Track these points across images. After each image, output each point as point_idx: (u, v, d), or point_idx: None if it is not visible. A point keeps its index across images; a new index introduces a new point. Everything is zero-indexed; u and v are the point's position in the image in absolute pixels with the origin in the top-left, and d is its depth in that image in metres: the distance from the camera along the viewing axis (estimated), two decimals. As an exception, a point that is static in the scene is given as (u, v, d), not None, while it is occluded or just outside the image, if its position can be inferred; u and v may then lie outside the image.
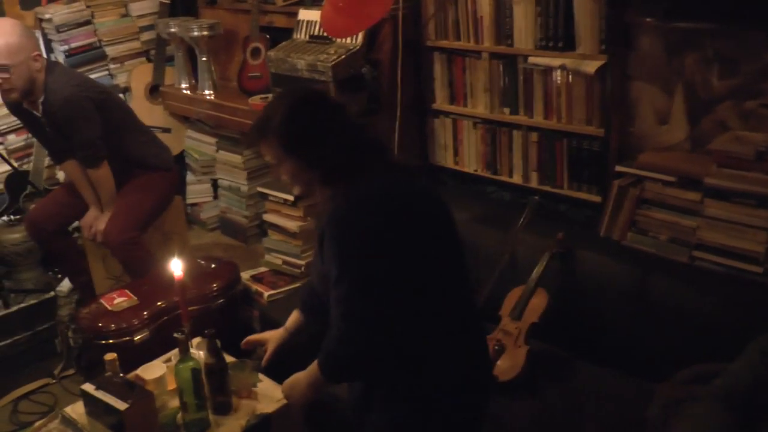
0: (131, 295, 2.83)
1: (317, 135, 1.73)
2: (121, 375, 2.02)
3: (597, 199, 2.71)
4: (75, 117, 2.94)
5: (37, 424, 2.17)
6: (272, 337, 2.18)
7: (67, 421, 2.11)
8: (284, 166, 1.78)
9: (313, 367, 1.83)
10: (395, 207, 1.72)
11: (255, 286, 3.03)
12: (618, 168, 2.56)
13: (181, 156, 4.13)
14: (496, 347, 2.35)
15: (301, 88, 1.87)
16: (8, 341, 2.94)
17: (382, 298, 1.67)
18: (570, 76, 2.66)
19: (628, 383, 2.26)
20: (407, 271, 1.69)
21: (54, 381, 3.03)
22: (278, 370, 2.19)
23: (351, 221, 1.69)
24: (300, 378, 1.90)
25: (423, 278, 1.72)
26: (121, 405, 1.87)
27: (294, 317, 2.17)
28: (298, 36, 3.26)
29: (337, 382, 1.88)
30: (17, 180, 3.64)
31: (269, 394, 2.14)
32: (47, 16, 3.76)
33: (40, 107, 2.97)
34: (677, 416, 1.90)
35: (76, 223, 3.39)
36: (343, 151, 1.73)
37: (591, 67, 2.56)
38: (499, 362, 2.32)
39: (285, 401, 2.05)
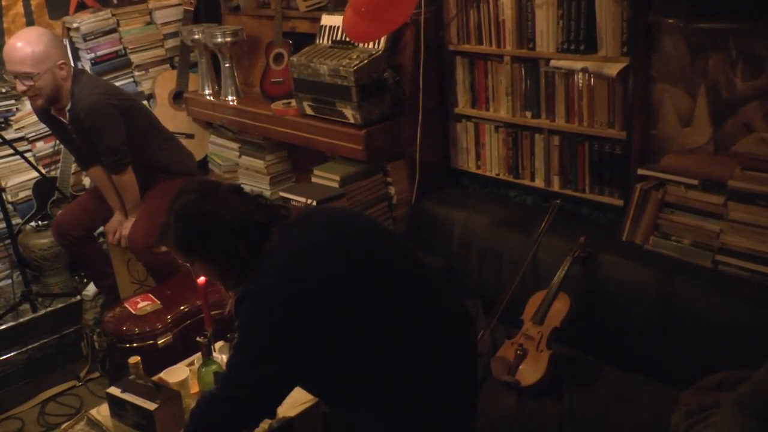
0: (155, 299, 2.86)
1: (213, 234, 1.69)
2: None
3: (619, 202, 2.68)
4: (100, 124, 2.99)
5: (63, 425, 2.21)
6: None
7: (93, 423, 2.14)
8: (198, 267, 1.78)
9: None
10: (309, 276, 1.63)
11: (277, 291, 3.05)
12: (640, 171, 2.54)
13: (204, 161, 4.17)
14: (519, 351, 2.34)
15: (185, 187, 1.81)
16: (36, 344, 2.99)
17: (277, 374, 1.63)
18: (592, 79, 2.65)
19: (652, 389, 2.24)
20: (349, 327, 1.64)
21: (80, 383, 3.08)
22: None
23: (257, 314, 1.62)
24: None
25: (374, 323, 1.66)
26: (150, 405, 1.90)
27: None
28: (321, 41, 3.28)
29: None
30: (45, 186, 3.71)
31: (292, 398, 2.15)
32: (75, 24, 3.83)
33: (67, 114, 3.02)
34: (701, 423, 1.88)
35: (101, 228, 3.44)
36: (238, 236, 1.68)
37: (613, 69, 2.54)
38: (521, 366, 2.32)
39: (309, 404, 2.06)
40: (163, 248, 1.78)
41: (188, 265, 1.79)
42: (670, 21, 2.40)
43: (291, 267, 1.64)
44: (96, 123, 2.98)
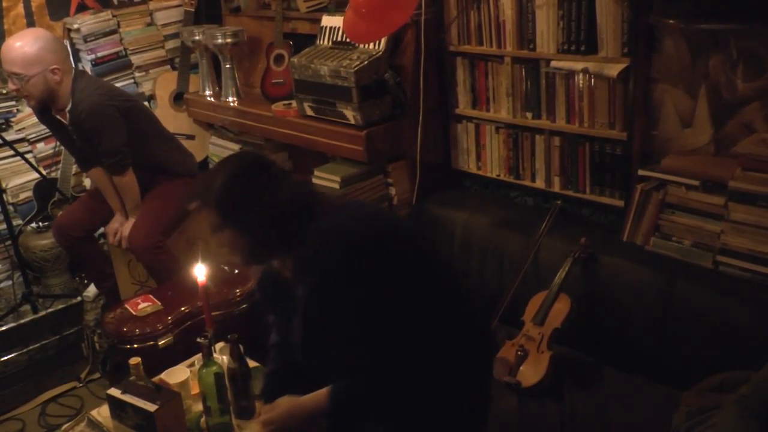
0: (155, 300, 2.86)
1: (256, 205, 1.68)
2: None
3: (620, 203, 2.68)
4: (101, 125, 2.99)
5: (64, 426, 2.21)
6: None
7: (93, 424, 2.14)
8: (224, 236, 1.73)
9: (320, 400, 1.75)
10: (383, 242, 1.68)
11: (278, 292, 3.05)
12: (641, 172, 2.54)
13: (205, 162, 4.17)
14: (519, 352, 2.34)
15: (241, 155, 1.81)
16: (37, 345, 2.99)
17: (411, 336, 1.65)
18: (592, 80, 2.65)
19: (653, 390, 2.24)
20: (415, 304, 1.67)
21: (80, 384, 3.08)
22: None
23: (351, 271, 1.63)
24: (300, 407, 1.79)
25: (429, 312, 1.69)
26: (151, 407, 1.89)
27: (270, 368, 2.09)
28: (322, 42, 3.28)
29: (347, 421, 1.80)
30: (45, 187, 3.71)
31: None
32: (75, 26, 3.83)
33: (68, 116, 3.03)
34: (702, 424, 1.88)
35: (102, 230, 3.44)
36: (281, 216, 1.68)
37: (614, 70, 2.54)
38: (522, 367, 2.32)
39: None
40: (193, 206, 1.74)
41: (211, 232, 1.74)
42: (671, 22, 2.40)
43: (348, 244, 1.65)
44: (97, 124, 2.98)
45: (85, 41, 3.84)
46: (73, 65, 3.13)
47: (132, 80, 4.08)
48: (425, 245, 1.82)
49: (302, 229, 1.68)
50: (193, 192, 1.76)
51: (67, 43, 3.86)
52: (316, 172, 3.18)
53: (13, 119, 3.75)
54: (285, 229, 1.69)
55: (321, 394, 1.75)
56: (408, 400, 1.70)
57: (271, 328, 2.07)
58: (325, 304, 1.68)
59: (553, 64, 2.74)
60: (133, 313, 2.80)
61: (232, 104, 3.81)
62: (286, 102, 3.48)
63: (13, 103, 3.72)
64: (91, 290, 3.63)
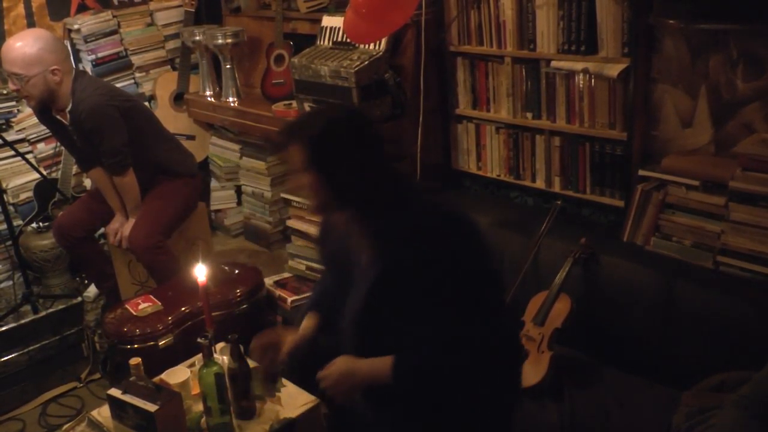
0: (156, 300, 2.86)
1: (348, 159, 1.68)
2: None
3: (620, 203, 2.68)
4: (101, 125, 2.99)
5: (65, 426, 2.21)
6: (284, 340, 2.09)
7: (94, 424, 2.14)
8: (305, 177, 1.72)
9: (381, 366, 1.75)
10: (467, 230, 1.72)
11: (278, 292, 3.05)
12: (641, 172, 2.54)
13: (205, 163, 4.17)
14: (519, 353, 2.34)
15: (348, 107, 1.82)
16: (37, 345, 2.99)
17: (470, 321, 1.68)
18: (593, 80, 2.65)
19: (653, 390, 2.24)
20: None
21: (81, 385, 3.08)
22: (302, 376, 2.19)
23: (442, 250, 1.66)
24: (358, 369, 1.79)
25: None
26: (151, 407, 1.90)
27: (307, 323, 2.11)
28: (322, 42, 3.28)
29: (406, 390, 1.79)
30: (46, 188, 3.71)
31: (293, 399, 2.15)
32: (76, 26, 3.83)
33: (68, 116, 3.03)
34: (702, 424, 1.88)
35: (102, 230, 3.44)
36: (369, 184, 1.69)
37: (614, 70, 2.55)
38: (522, 367, 2.31)
39: (310, 405, 2.06)
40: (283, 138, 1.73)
41: (295, 169, 1.72)
42: (671, 22, 2.40)
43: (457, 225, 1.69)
44: (97, 124, 2.98)
45: (86, 42, 3.84)
46: (74, 66, 3.13)
47: (132, 80, 4.08)
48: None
49: (387, 203, 1.68)
50: (289, 126, 1.75)
51: (67, 43, 3.86)
52: (316, 173, 3.18)
53: (13, 120, 3.75)
54: (367, 192, 1.68)
55: (380, 361, 1.74)
56: (463, 378, 1.72)
57: (315, 287, 2.10)
58: (401, 287, 1.69)
59: (554, 64, 2.74)
60: (134, 313, 2.81)
61: (232, 104, 3.81)
62: (286, 102, 3.48)
63: (14, 103, 3.72)
64: (92, 290, 3.63)
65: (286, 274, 3.19)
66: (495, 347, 1.71)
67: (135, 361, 2.03)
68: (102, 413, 2.14)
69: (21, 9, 3.74)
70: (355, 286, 1.82)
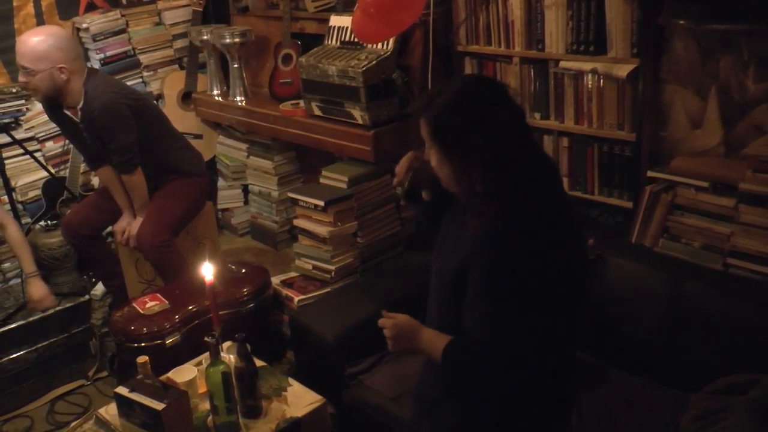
0: (163, 299, 2.87)
1: (471, 139, 1.57)
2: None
3: (628, 205, 2.67)
4: (113, 123, 3.00)
5: (72, 424, 2.22)
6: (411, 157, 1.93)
7: (101, 422, 2.14)
8: (432, 151, 1.65)
9: (437, 345, 1.69)
10: (546, 246, 1.61)
11: (285, 291, 3.05)
12: (650, 173, 2.53)
13: (212, 162, 4.18)
14: (526, 354, 2.33)
15: (477, 77, 1.66)
16: (45, 343, 2.99)
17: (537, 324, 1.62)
18: (601, 81, 2.64)
19: (661, 392, 2.22)
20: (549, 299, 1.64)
21: (88, 383, 3.08)
22: (308, 375, 2.19)
23: (508, 256, 1.58)
24: (421, 336, 1.73)
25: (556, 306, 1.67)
26: (158, 405, 1.90)
27: None
28: (330, 42, 3.28)
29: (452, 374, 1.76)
30: (54, 186, 3.72)
31: (298, 399, 2.15)
32: (84, 25, 3.84)
33: (79, 113, 3.04)
34: (711, 427, 1.87)
35: (110, 228, 3.45)
36: (491, 168, 1.57)
37: (622, 70, 2.54)
38: (529, 369, 2.30)
39: (316, 405, 2.06)
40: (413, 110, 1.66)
41: (427, 144, 1.65)
42: (681, 22, 2.39)
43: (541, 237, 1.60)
44: (109, 122, 2.99)
45: (94, 40, 3.85)
46: (86, 65, 3.14)
47: (140, 80, 4.09)
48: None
49: (509, 192, 1.59)
50: (421, 99, 1.67)
51: (76, 42, 3.88)
52: (323, 172, 3.18)
53: (22, 118, 3.77)
54: (488, 178, 1.58)
55: (439, 339, 1.70)
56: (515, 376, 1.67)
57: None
58: (483, 275, 1.63)
59: (562, 64, 2.73)
60: (141, 311, 2.81)
61: (239, 104, 3.82)
62: (293, 102, 3.48)
63: (23, 101, 3.74)
64: (99, 289, 3.64)
65: (293, 274, 3.19)
66: (538, 365, 1.66)
67: (142, 359, 2.04)
68: (109, 411, 2.15)
69: (30, 8, 3.76)
70: (449, 246, 1.77)
